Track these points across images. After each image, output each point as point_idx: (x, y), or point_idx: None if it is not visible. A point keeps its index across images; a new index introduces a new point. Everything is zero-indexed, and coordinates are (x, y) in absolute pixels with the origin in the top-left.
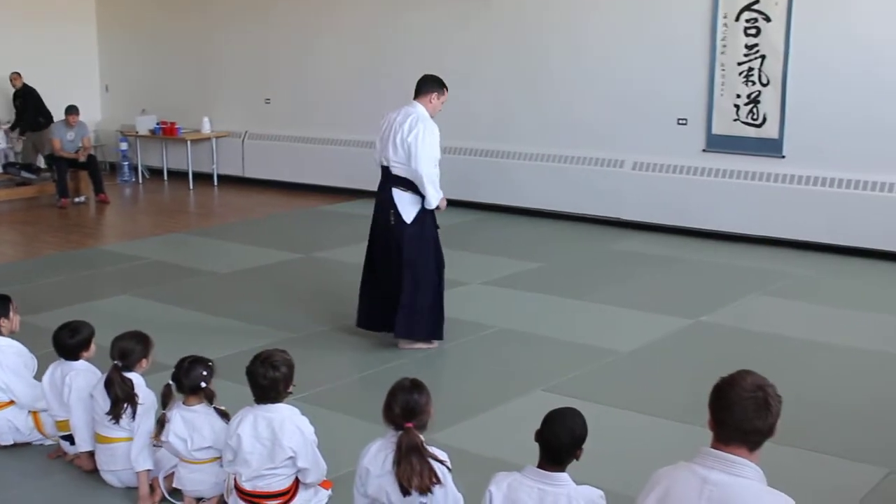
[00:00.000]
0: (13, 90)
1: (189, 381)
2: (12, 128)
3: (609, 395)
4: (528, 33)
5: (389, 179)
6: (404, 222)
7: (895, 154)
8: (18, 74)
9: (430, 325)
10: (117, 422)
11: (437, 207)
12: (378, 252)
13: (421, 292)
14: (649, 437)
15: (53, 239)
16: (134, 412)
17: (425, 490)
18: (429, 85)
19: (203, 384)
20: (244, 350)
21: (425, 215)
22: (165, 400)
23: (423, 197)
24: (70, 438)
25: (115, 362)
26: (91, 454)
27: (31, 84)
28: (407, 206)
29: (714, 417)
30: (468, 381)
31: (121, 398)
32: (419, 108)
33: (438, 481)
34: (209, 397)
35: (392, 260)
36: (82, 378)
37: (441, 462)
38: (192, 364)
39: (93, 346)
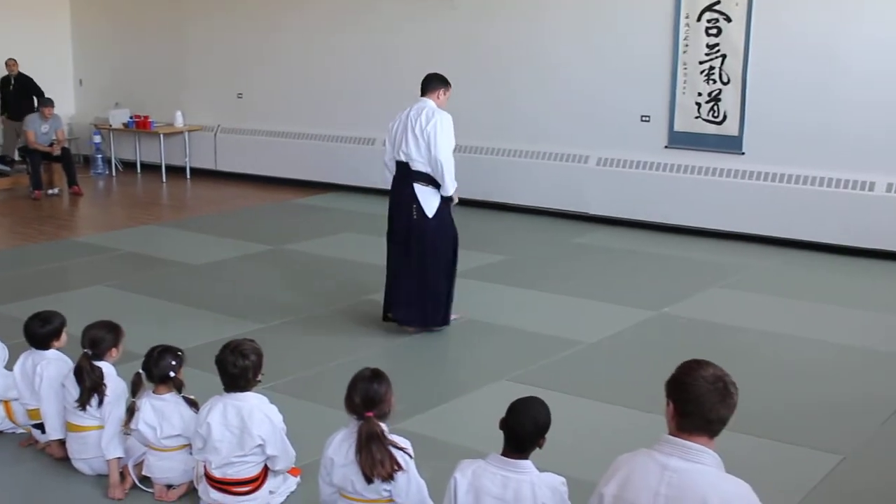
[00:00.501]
0: (7, 75)
1: (158, 370)
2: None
3: (573, 384)
4: (493, 30)
5: (409, 175)
6: (427, 216)
7: (850, 152)
8: (15, 61)
9: (444, 312)
10: (84, 409)
11: (451, 199)
12: (396, 246)
13: (442, 282)
14: (611, 425)
15: (27, 230)
16: (100, 401)
17: (386, 477)
18: (435, 82)
19: (172, 373)
20: (214, 340)
21: (445, 207)
22: (135, 389)
23: (438, 187)
24: (41, 427)
25: (86, 350)
26: (62, 442)
27: (12, 57)
28: (429, 200)
29: (678, 408)
30: (434, 370)
31: (88, 386)
32: (430, 103)
33: (400, 468)
34: (178, 386)
35: (412, 253)
36: (53, 367)
37: (402, 449)
38: (162, 353)
39: (64, 336)
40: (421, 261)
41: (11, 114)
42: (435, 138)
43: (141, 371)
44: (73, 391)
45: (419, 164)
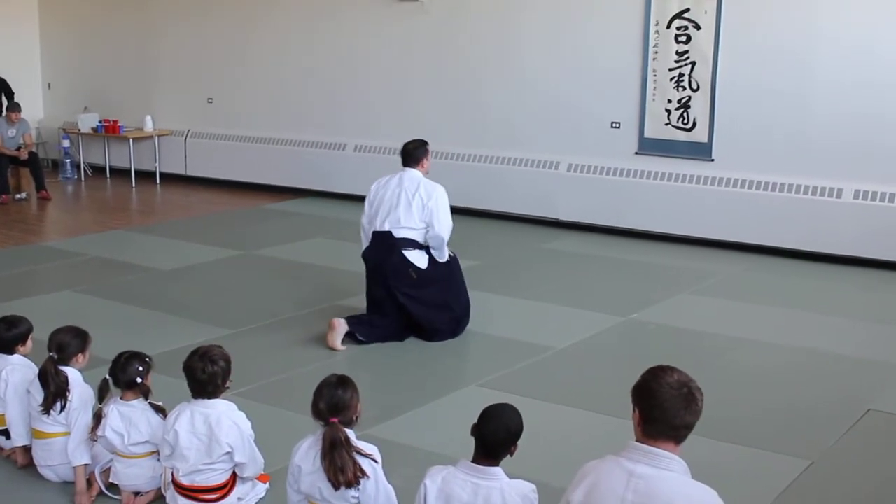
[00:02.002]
0: None
1: (125, 376)
2: None
3: (542, 390)
4: (464, 35)
5: (395, 243)
6: (423, 269)
7: (818, 159)
8: None
9: (465, 322)
10: (47, 414)
11: None
12: (405, 297)
13: (463, 296)
14: (581, 430)
15: None
16: (63, 407)
17: (350, 484)
18: (419, 152)
19: (139, 379)
20: (183, 346)
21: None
22: (102, 395)
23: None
24: (6, 433)
25: (51, 354)
26: (26, 449)
27: None
28: (420, 259)
29: (643, 414)
30: (404, 376)
31: (53, 391)
32: (419, 174)
33: (364, 475)
34: (145, 393)
35: (425, 294)
36: (19, 373)
37: (367, 456)
38: (129, 360)
39: (30, 342)
40: (439, 294)
41: None
42: (438, 213)
43: (108, 377)
44: (38, 396)
45: (406, 232)
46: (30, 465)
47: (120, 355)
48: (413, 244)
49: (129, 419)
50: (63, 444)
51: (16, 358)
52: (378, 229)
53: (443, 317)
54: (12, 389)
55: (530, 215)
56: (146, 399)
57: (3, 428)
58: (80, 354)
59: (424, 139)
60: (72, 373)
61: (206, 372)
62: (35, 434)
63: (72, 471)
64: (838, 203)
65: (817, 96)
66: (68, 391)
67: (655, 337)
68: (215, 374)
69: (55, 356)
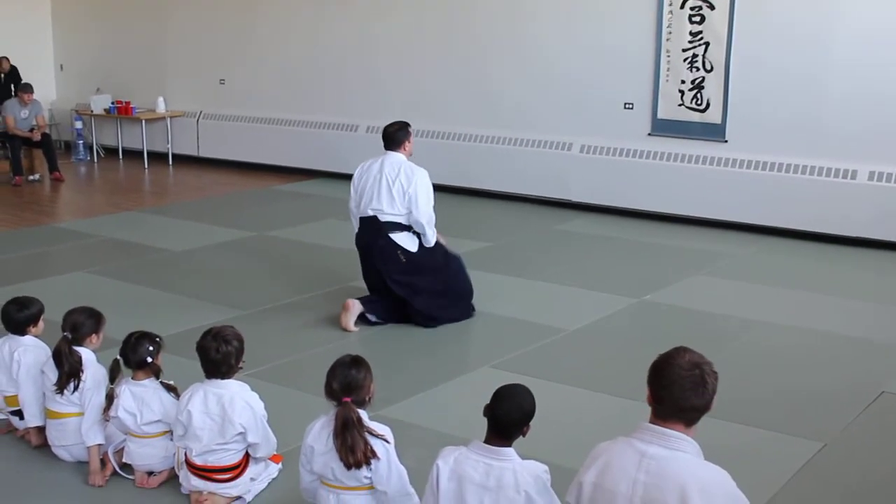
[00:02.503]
0: (1, 74)
1: (136, 356)
2: None
3: (555, 371)
4: (476, 15)
5: (381, 227)
6: (413, 253)
7: (832, 140)
8: (7, 59)
9: (469, 306)
10: (61, 394)
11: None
12: (396, 284)
13: (462, 278)
14: (593, 412)
15: (7, 216)
16: (76, 387)
17: (358, 464)
18: (400, 134)
19: (150, 359)
20: (195, 327)
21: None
22: (113, 375)
23: (416, 233)
24: (19, 413)
25: (65, 334)
26: (40, 429)
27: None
28: (409, 242)
29: (653, 394)
30: (417, 357)
31: (66, 371)
32: (401, 157)
33: (374, 456)
34: (156, 372)
35: (419, 280)
36: (31, 354)
37: (379, 437)
38: (139, 340)
39: (41, 323)
40: (431, 278)
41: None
42: (417, 200)
43: (118, 357)
44: (52, 376)
45: (390, 217)
46: (44, 445)
47: (130, 335)
48: (400, 227)
49: (141, 399)
50: (77, 425)
51: (28, 339)
52: (364, 215)
53: (440, 302)
54: (25, 370)
55: (542, 196)
56: (157, 378)
57: (17, 409)
58: (93, 335)
59: (406, 121)
60: (85, 353)
61: (220, 352)
62: (49, 414)
63: (86, 451)
64: (853, 184)
65: (833, 77)
66: (82, 371)
67: (668, 318)
68: (229, 353)
69: (69, 336)
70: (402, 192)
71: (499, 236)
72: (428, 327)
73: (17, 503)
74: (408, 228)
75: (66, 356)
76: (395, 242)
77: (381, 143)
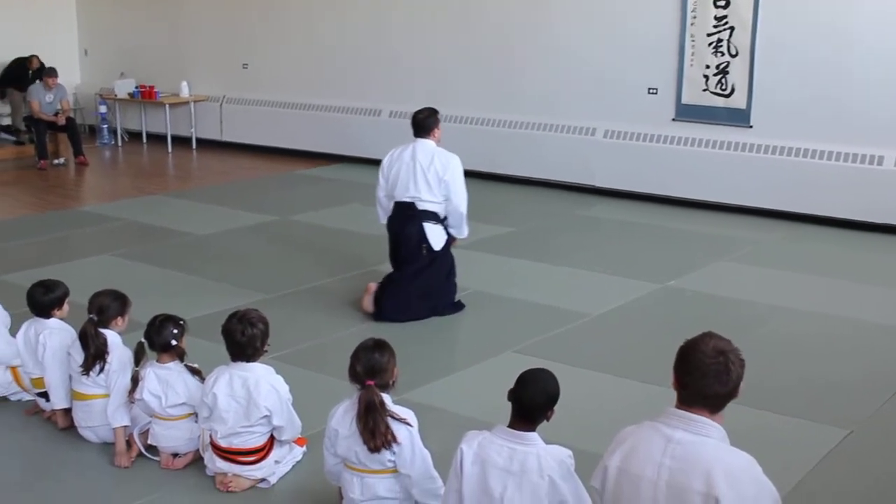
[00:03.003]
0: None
1: (160, 339)
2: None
3: (578, 356)
4: (504, 4)
5: (416, 214)
6: (436, 250)
7: (858, 126)
8: (37, 57)
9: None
10: (87, 375)
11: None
12: (407, 269)
13: (454, 283)
14: (617, 397)
15: (33, 200)
16: (102, 369)
17: (379, 448)
18: (430, 121)
19: (174, 342)
20: (219, 310)
21: (447, 240)
22: (138, 358)
23: (444, 226)
24: (46, 395)
25: (91, 316)
26: (66, 411)
27: (18, 53)
28: (437, 237)
29: (678, 380)
30: (440, 341)
31: (92, 353)
32: (432, 145)
33: (395, 440)
34: (180, 355)
35: (423, 272)
36: (57, 337)
37: (401, 420)
38: (164, 322)
39: (66, 306)
40: (428, 282)
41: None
42: (455, 188)
43: (143, 340)
44: (78, 359)
45: (428, 205)
46: (70, 427)
47: (154, 318)
48: (435, 217)
49: (165, 381)
50: (103, 406)
51: (53, 322)
52: (400, 198)
53: (424, 304)
54: (50, 353)
55: (566, 182)
56: (181, 361)
57: (43, 390)
58: (119, 318)
59: (434, 108)
60: (111, 335)
61: (246, 334)
62: (75, 396)
63: (111, 432)
64: (879, 170)
65: (859, 62)
66: (107, 353)
67: (692, 304)
68: (254, 336)
69: (95, 318)
70: (438, 179)
71: (522, 221)
72: (396, 321)
73: (45, 483)
74: (440, 221)
75: (92, 338)
76: (424, 234)
77: (405, 129)
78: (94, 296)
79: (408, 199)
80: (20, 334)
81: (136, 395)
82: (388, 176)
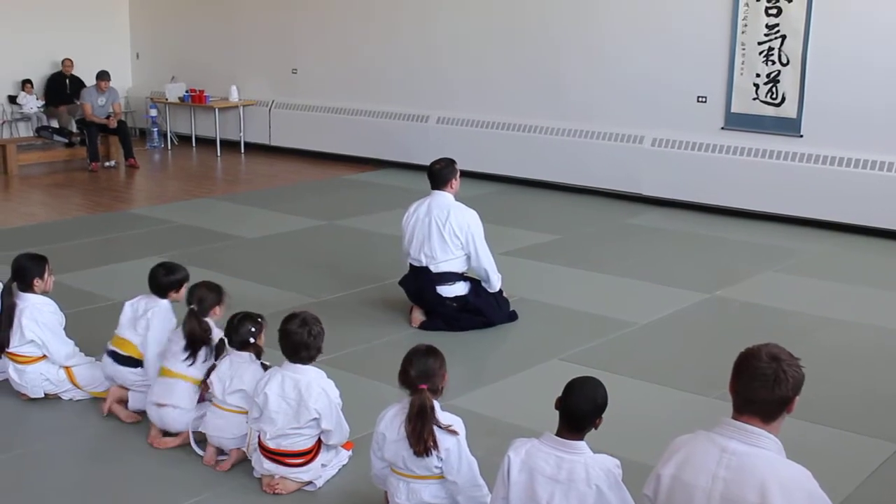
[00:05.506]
0: (60, 71)
1: (238, 336)
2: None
3: (625, 365)
4: (545, 6)
5: (432, 279)
6: (464, 296)
7: None
8: (71, 62)
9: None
10: (193, 362)
11: None
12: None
13: (504, 299)
14: (664, 407)
15: (84, 202)
16: (207, 355)
17: (422, 453)
18: (447, 172)
19: (252, 339)
20: (269, 313)
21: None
22: (218, 354)
23: (465, 280)
24: (115, 356)
25: (192, 307)
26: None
27: (69, 57)
28: (458, 290)
29: (731, 384)
30: (487, 348)
31: (197, 340)
32: (449, 197)
33: (436, 447)
34: (257, 353)
35: (467, 305)
36: (160, 318)
37: (445, 428)
38: (242, 321)
39: (183, 290)
40: (475, 306)
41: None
42: (476, 248)
43: (223, 337)
44: (178, 344)
45: (444, 265)
46: (136, 422)
47: (233, 316)
48: (452, 277)
49: (236, 367)
50: (184, 389)
51: (165, 303)
52: (414, 261)
53: (475, 318)
54: (154, 333)
55: (613, 190)
56: (258, 359)
57: (114, 350)
58: (217, 307)
59: (451, 158)
60: (212, 324)
61: (309, 335)
62: (162, 371)
63: (177, 415)
64: None
65: None
66: (211, 339)
67: (739, 315)
68: (313, 337)
69: (195, 308)
70: (454, 235)
71: (568, 229)
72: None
73: (94, 484)
74: (459, 277)
75: (195, 327)
76: (442, 297)
77: (451, 135)
78: (192, 287)
79: (423, 263)
80: (130, 303)
81: (209, 379)
82: (406, 229)
